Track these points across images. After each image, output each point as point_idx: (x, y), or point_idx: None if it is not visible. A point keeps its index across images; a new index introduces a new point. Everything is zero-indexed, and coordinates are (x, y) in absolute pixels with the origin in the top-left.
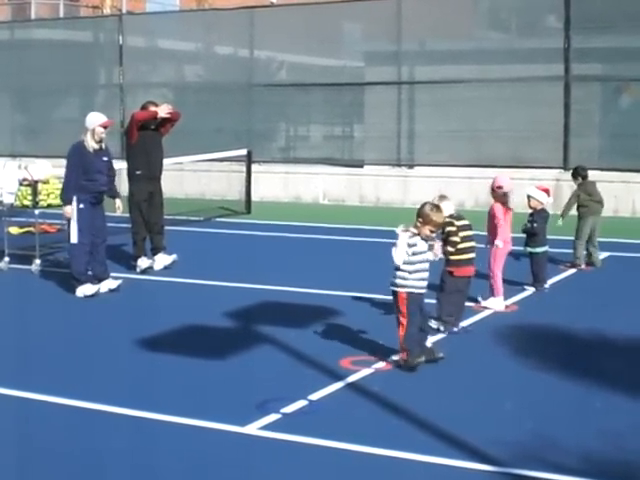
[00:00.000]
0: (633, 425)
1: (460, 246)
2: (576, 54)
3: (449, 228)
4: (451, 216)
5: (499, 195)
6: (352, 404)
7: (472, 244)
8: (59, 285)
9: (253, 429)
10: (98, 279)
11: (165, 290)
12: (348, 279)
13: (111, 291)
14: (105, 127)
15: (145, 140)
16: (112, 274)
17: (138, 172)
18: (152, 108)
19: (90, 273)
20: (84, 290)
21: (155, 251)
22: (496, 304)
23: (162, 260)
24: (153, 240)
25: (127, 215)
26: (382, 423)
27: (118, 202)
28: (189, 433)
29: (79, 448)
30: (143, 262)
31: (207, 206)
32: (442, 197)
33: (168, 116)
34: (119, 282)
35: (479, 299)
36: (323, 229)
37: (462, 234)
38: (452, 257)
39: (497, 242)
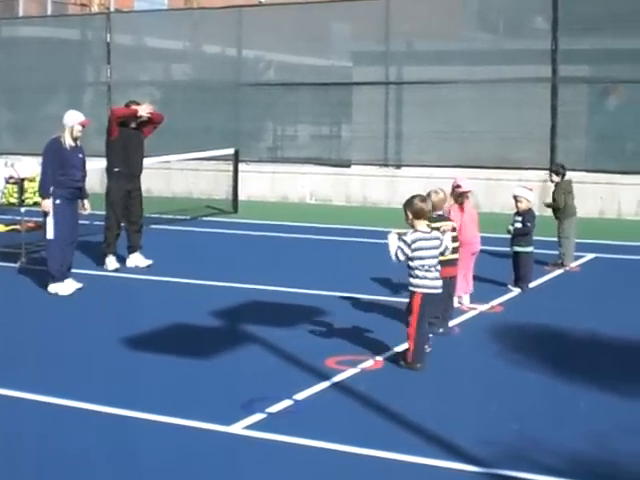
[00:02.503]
0: (618, 426)
1: None
2: (563, 56)
3: None
4: (429, 218)
5: (456, 195)
6: (338, 404)
7: (454, 245)
8: (43, 283)
9: (238, 428)
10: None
11: (150, 289)
12: (334, 279)
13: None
14: (83, 126)
15: (125, 138)
16: (96, 272)
17: (116, 169)
18: (134, 107)
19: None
20: (57, 288)
21: (132, 249)
22: (462, 300)
23: (137, 260)
24: (131, 238)
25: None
26: (368, 423)
27: (86, 202)
28: (174, 432)
29: (62, 447)
30: (111, 264)
31: (194, 205)
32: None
33: (148, 115)
34: (80, 285)
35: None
36: (310, 229)
37: None
38: None
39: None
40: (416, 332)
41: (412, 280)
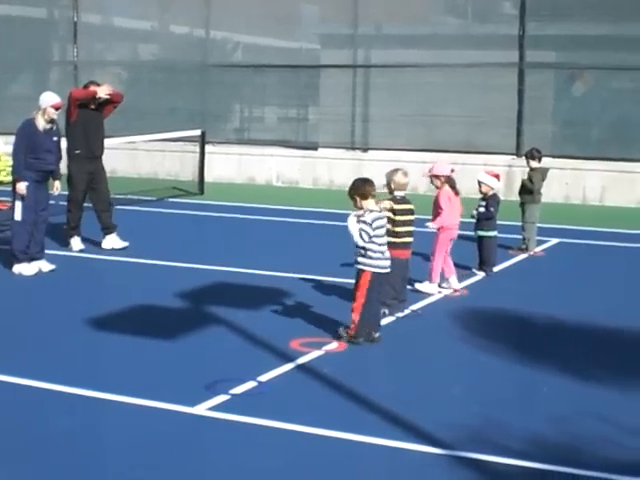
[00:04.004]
0: (579, 410)
1: (397, 229)
2: (531, 41)
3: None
4: (393, 199)
5: (445, 181)
6: (302, 386)
7: (410, 229)
8: (8, 263)
9: (202, 409)
10: (31, 259)
11: (115, 270)
12: (300, 261)
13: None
14: (57, 108)
15: (85, 119)
16: (61, 253)
17: (77, 151)
18: (93, 88)
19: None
20: (21, 269)
21: (106, 231)
22: (430, 289)
23: (113, 242)
24: (101, 219)
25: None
26: (331, 405)
27: (57, 183)
28: (138, 413)
29: (25, 427)
30: (76, 245)
31: (160, 186)
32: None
33: (108, 97)
34: (53, 267)
35: (415, 283)
36: (276, 211)
37: (399, 218)
38: (387, 239)
39: (430, 224)
40: (363, 308)
41: (362, 259)
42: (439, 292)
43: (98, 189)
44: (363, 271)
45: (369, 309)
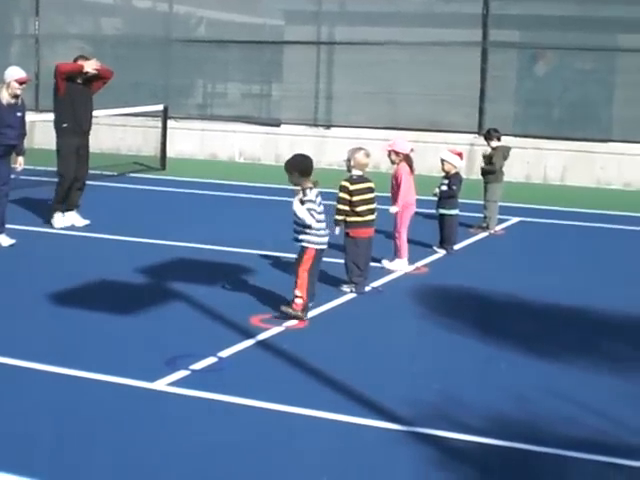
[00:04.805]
0: (538, 387)
1: (357, 209)
2: (494, 20)
3: (341, 194)
4: (349, 178)
5: (403, 158)
6: (262, 362)
7: (372, 206)
8: None
9: (162, 385)
10: None
11: (76, 245)
12: (261, 237)
13: None
14: (21, 83)
15: (72, 93)
16: (23, 227)
17: (65, 125)
18: (80, 62)
19: None
20: None
21: (69, 207)
22: (400, 265)
23: (74, 219)
24: (70, 195)
25: (43, 168)
26: (292, 381)
27: (21, 159)
28: (97, 388)
29: None
30: (58, 221)
31: (121, 161)
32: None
33: (94, 71)
34: (13, 242)
35: (383, 261)
36: (238, 187)
37: (357, 198)
38: (349, 219)
39: (392, 209)
40: (307, 284)
41: (305, 237)
42: (417, 268)
43: (79, 165)
44: (307, 248)
45: (312, 283)
